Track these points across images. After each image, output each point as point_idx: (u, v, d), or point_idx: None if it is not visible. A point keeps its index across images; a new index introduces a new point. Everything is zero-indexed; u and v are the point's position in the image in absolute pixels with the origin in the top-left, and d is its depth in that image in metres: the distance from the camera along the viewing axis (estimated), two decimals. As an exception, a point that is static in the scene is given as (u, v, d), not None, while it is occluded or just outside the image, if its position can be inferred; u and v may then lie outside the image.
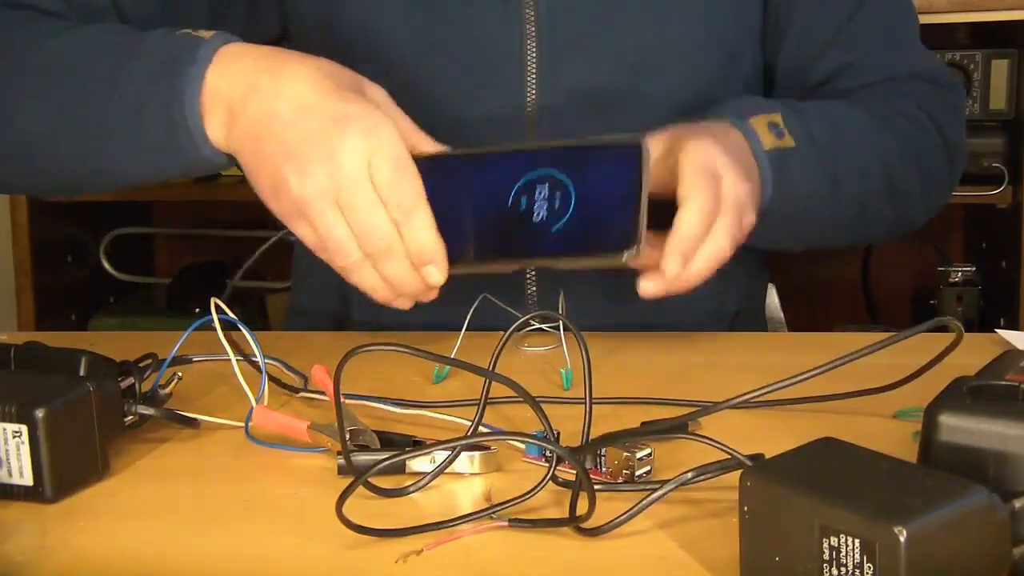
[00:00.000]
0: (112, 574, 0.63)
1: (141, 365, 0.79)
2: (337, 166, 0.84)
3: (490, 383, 0.76)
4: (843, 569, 0.53)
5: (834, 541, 0.53)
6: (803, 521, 0.54)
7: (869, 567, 0.52)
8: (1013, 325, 1.86)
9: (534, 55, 1.06)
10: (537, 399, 0.73)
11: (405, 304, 0.90)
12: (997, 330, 0.97)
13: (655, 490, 0.64)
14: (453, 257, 0.87)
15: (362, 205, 0.84)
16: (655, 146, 0.95)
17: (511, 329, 0.80)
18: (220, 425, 0.80)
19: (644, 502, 0.64)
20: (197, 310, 2.08)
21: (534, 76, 1.06)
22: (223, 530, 0.67)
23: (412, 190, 0.85)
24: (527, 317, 0.82)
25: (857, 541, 0.52)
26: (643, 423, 0.75)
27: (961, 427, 0.60)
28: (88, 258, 2.18)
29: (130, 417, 0.76)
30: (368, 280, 0.87)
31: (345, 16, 1.07)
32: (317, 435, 0.75)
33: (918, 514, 0.52)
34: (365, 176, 0.84)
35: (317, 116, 0.85)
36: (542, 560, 0.62)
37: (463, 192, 0.90)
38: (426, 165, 0.89)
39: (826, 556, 0.53)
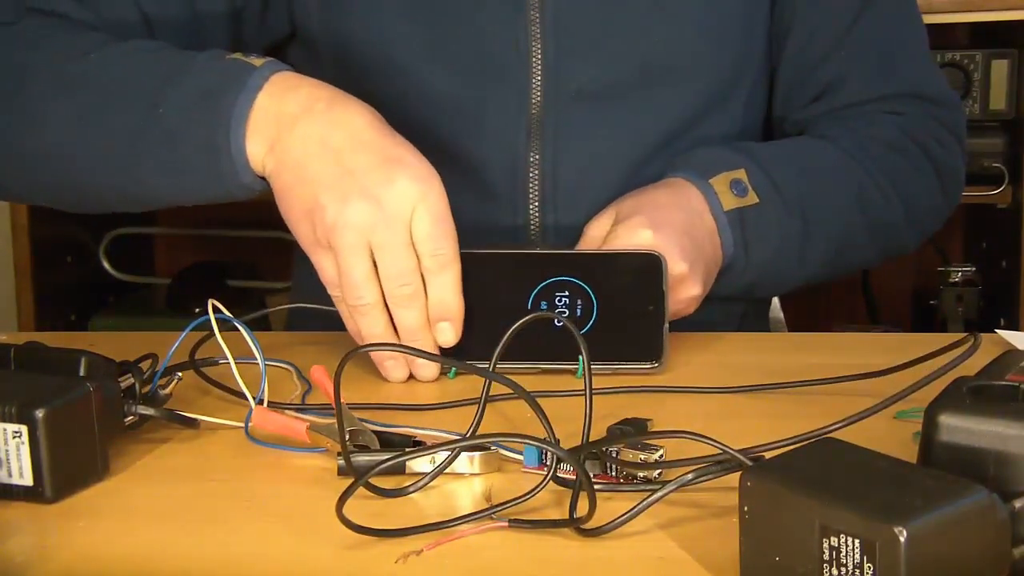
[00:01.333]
0: (112, 574, 0.63)
1: (140, 365, 0.79)
2: (381, 204, 0.84)
3: (490, 383, 0.76)
4: (843, 569, 0.53)
5: (834, 541, 0.53)
6: (803, 521, 0.54)
7: (869, 567, 0.52)
8: (1013, 325, 1.86)
9: (539, 56, 1.05)
10: (536, 394, 0.73)
11: (396, 372, 0.90)
12: (997, 330, 0.97)
13: (655, 491, 0.64)
14: (468, 354, 0.87)
15: (396, 246, 0.85)
16: (603, 220, 0.98)
17: (511, 330, 0.80)
18: (220, 425, 0.80)
19: (644, 503, 0.64)
20: (197, 310, 2.07)
21: (539, 77, 1.06)
22: (223, 530, 0.67)
23: (451, 246, 0.86)
24: (528, 319, 0.82)
25: (857, 541, 0.52)
26: (609, 427, 0.75)
27: (961, 427, 0.60)
28: (88, 258, 2.18)
29: (130, 417, 0.76)
30: (374, 326, 0.87)
31: (349, 16, 1.07)
32: (316, 435, 0.75)
33: (918, 514, 0.52)
34: (406, 220, 0.85)
35: (371, 152, 0.86)
36: (542, 560, 0.62)
37: (480, 291, 0.90)
38: None
39: (826, 556, 0.53)
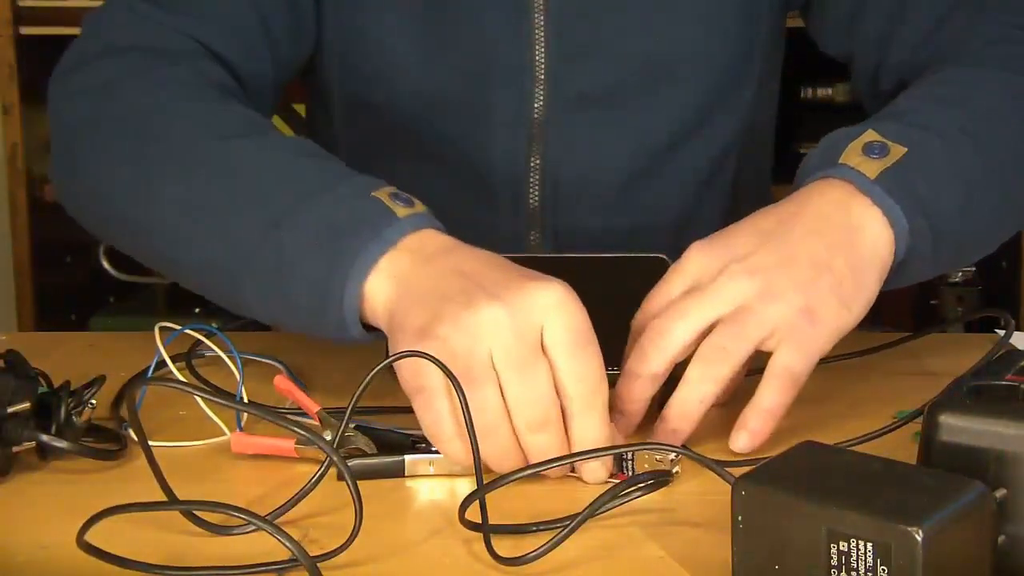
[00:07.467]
0: (112, 573, 0.62)
1: (76, 389, 0.75)
2: (511, 309, 0.72)
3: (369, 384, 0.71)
4: (854, 574, 0.53)
5: (843, 546, 0.53)
6: (807, 528, 0.54)
7: (883, 570, 0.52)
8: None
9: (543, 60, 1.05)
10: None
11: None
12: (997, 330, 0.97)
13: (568, 525, 0.63)
14: None
15: (529, 362, 0.71)
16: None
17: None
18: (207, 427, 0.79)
19: (556, 538, 0.62)
20: (197, 310, 2.08)
21: (543, 81, 1.05)
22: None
23: (598, 368, 0.72)
24: None
25: (870, 545, 0.52)
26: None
27: (961, 427, 0.60)
28: (88, 258, 2.18)
29: (24, 445, 0.73)
30: (508, 447, 0.72)
31: (354, 21, 1.06)
32: (305, 450, 0.74)
33: (930, 513, 0.52)
34: (538, 330, 0.72)
35: (507, 270, 0.76)
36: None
37: None
38: None
39: (834, 562, 0.53)
